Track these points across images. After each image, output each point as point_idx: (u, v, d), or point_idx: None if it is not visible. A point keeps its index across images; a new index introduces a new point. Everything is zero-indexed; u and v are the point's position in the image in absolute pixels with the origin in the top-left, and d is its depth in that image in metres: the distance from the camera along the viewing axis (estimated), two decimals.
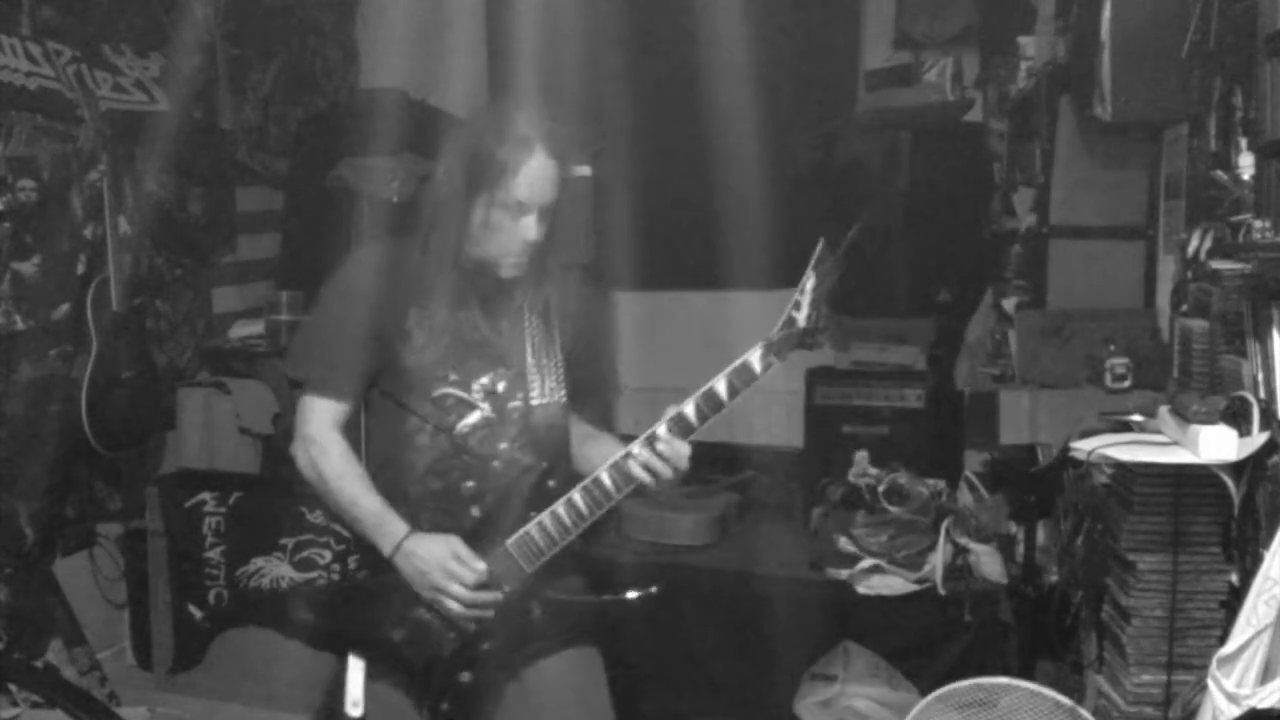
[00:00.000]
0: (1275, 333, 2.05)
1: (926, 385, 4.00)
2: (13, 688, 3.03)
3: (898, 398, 3.96)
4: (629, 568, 3.33)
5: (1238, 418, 2.08)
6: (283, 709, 3.46)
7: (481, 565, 1.99)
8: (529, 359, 2.08)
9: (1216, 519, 2.16)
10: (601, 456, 2.02)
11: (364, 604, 2.08)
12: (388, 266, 2.10)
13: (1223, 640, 1.91)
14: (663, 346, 4.19)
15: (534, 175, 1.97)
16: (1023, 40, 3.63)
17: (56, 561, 3.55)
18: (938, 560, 3.17)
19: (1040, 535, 3.07)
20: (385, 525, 2.03)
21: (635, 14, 4.27)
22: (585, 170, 3.80)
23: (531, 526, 2.00)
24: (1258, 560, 1.88)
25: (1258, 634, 1.76)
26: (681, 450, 1.93)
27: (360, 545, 2.11)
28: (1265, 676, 1.75)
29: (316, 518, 3.46)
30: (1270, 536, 1.84)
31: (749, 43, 4.01)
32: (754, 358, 1.91)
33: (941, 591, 3.14)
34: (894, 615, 3.18)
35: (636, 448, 1.94)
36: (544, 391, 2.08)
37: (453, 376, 2.05)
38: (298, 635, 2.14)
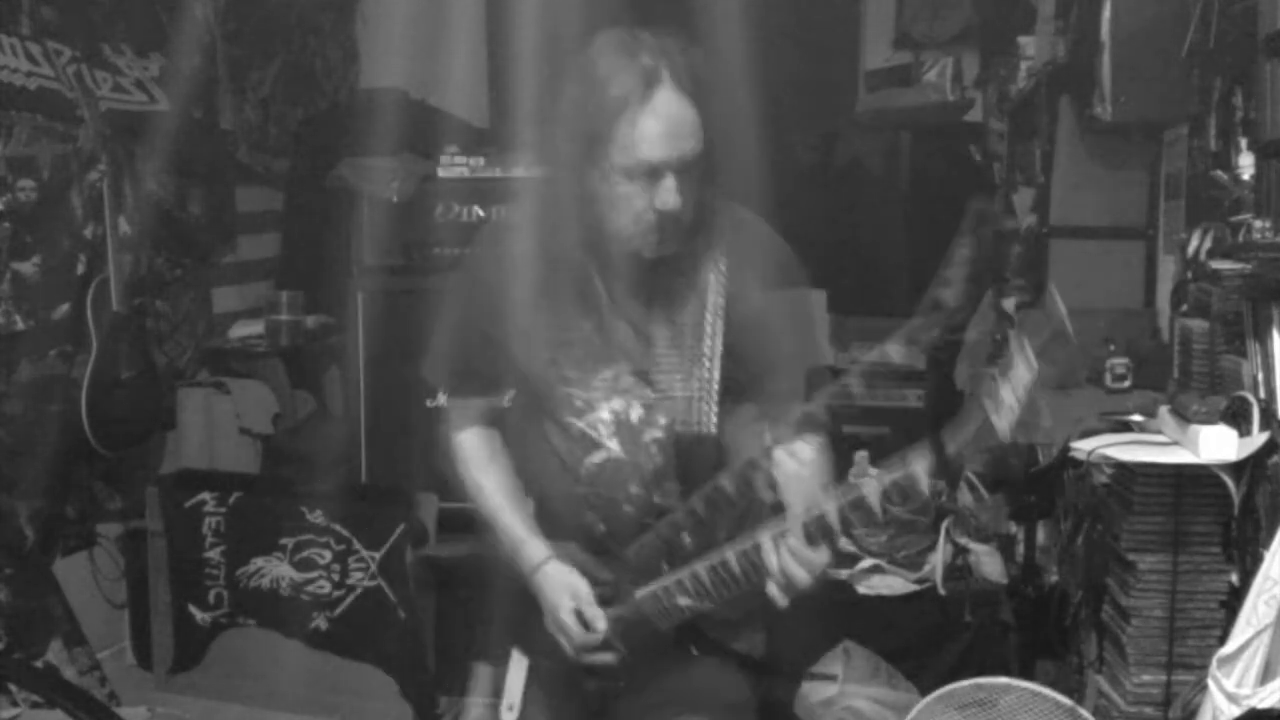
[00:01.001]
0: (1275, 333, 2.05)
1: (926, 385, 4.01)
2: (13, 688, 3.03)
3: (898, 398, 3.96)
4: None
5: (1238, 418, 2.08)
6: (283, 709, 3.46)
7: (601, 626, 1.71)
8: (678, 376, 1.69)
9: (1216, 519, 2.16)
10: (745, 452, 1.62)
11: (516, 599, 1.83)
12: (507, 261, 1.74)
13: (1223, 640, 1.91)
14: None
15: (663, 123, 1.53)
16: (1023, 40, 3.63)
17: (56, 561, 3.55)
18: (938, 560, 3.16)
19: (1040, 535, 3.07)
20: (523, 546, 1.79)
21: (635, 14, 4.27)
22: None
23: (656, 587, 1.67)
24: (1258, 560, 1.88)
25: (1258, 634, 1.76)
26: (815, 561, 1.52)
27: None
28: (1265, 676, 1.76)
29: (316, 518, 3.46)
30: (1270, 536, 1.84)
31: (749, 43, 4.01)
32: (920, 469, 1.48)
33: (941, 591, 3.14)
34: (894, 615, 3.17)
35: (767, 541, 1.54)
36: (692, 417, 1.68)
37: (578, 402, 1.71)
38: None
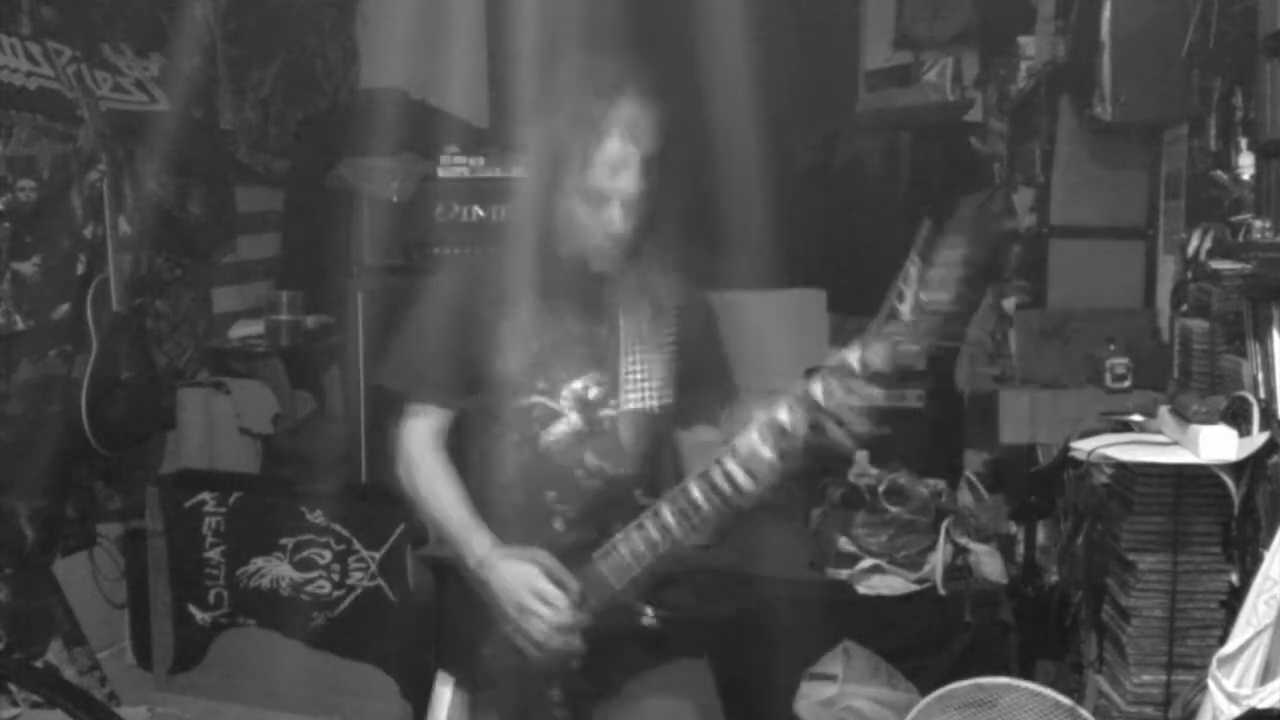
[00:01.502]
0: (1275, 333, 2.05)
1: (926, 385, 4.00)
2: (13, 688, 3.03)
3: (898, 398, 3.96)
4: (730, 575, 3.18)
5: (1238, 418, 2.08)
6: (283, 709, 3.46)
7: (573, 584, 1.85)
8: (624, 362, 1.95)
9: (1216, 519, 2.16)
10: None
11: (453, 620, 2.00)
12: (479, 273, 2.01)
13: (1223, 640, 1.91)
14: None
15: (612, 161, 1.82)
16: (1023, 40, 3.63)
17: (56, 561, 3.55)
18: (938, 560, 3.17)
19: (1040, 535, 3.07)
20: (470, 541, 1.92)
21: (635, 14, 4.27)
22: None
23: (619, 541, 1.84)
24: (1258, 560, 1.88)
25: (1258, 634, 1.76)
26: (764, 456, 1.74)
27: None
28: (1265, 676, 1.76)
29: (316, 518, 3.46)
30: (1270, 536, 1.84)
31: (749, 43, 4.01)
32: (852, 357, 1.72)
33: (941, 591, 3.14)
34: (894, 615, 3.17)
35: (725, 456, 1.76)
36: (639, 398, 1.95)
37: (541, 384, 1.93)
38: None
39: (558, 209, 1.87)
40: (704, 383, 2.05)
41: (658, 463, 2.01)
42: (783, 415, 1.73)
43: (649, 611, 1.92)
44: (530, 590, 1.84)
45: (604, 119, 1.83)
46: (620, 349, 1.96)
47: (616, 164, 1.83)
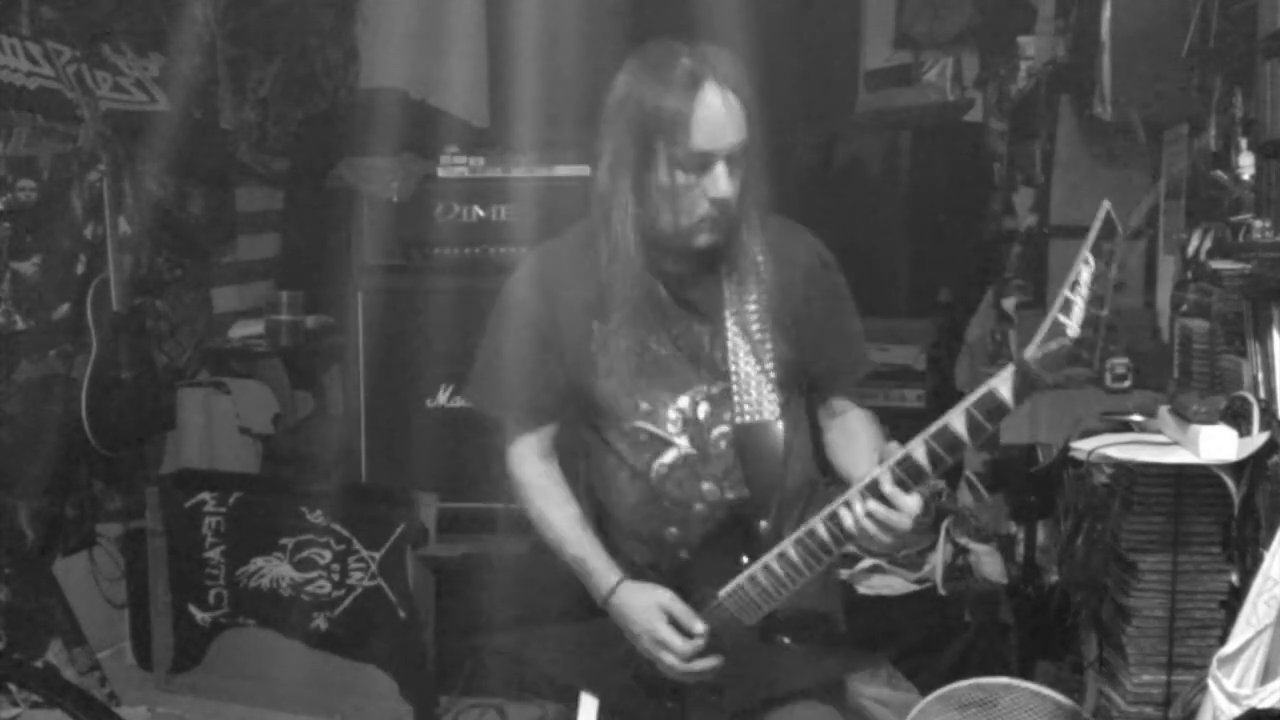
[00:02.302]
0: (1275, 333, 2.05)
1: (926, 385, 4.01)
2: (13, 688, 3.03)
3: (898, 398, 3.96)
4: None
5: (1238, 418, 2.08)
6: (283, 709, 3.46)
7: (700, 628, 1.72)
8: (734, 367, 1.74)
9: (1216, 519, 2.16)
10: (857, 467, 1.69)
11: (597, 643, 1.84)
12: (557, 274, 1.82)
13: (1223, 640, 1.91)
14: None
15: (711, 115, 1.64)
16: (1023, 40, 3.64)
17: (56, 561, 3.55)
18: (938, 560, 3.17)
19: (1040, 535, 3.07)
20: (594, 573, 1.80)
21: (635, 14, 4.27)
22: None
23: (743, 579, 1.69)
24: (1258, 560, 1.88)
25: (1258, 634, 1.76)
26: (908, 505, 1.57)
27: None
28: (1265, 676, 1.76)
29: (316, 518, 3.46)
30: (1270, 536, 1.84)
31: (749, 43, 4.01)
32: (1003, 387, 1.47)
33: (941, 591, 3.14)
34: (894, 615, 3.18)
35: (855, 498, 1.59)
36: (757, 407, 1.73)
37: (643, 406, 1.76)
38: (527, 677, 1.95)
39: (650, 183, 1.68)
40: (833, 348, 1.87)
41: (784, 480, 1.78)
42: (918, 453, 1.55)
43: (784, 639, 1.78)
44: (654, 639, 1.74)
45: (701, 70, 1.66)
46: (729, 347, 1.76)
47: (719, 119, 1.65)
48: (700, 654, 1.74)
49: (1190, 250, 2.57)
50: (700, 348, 1.78)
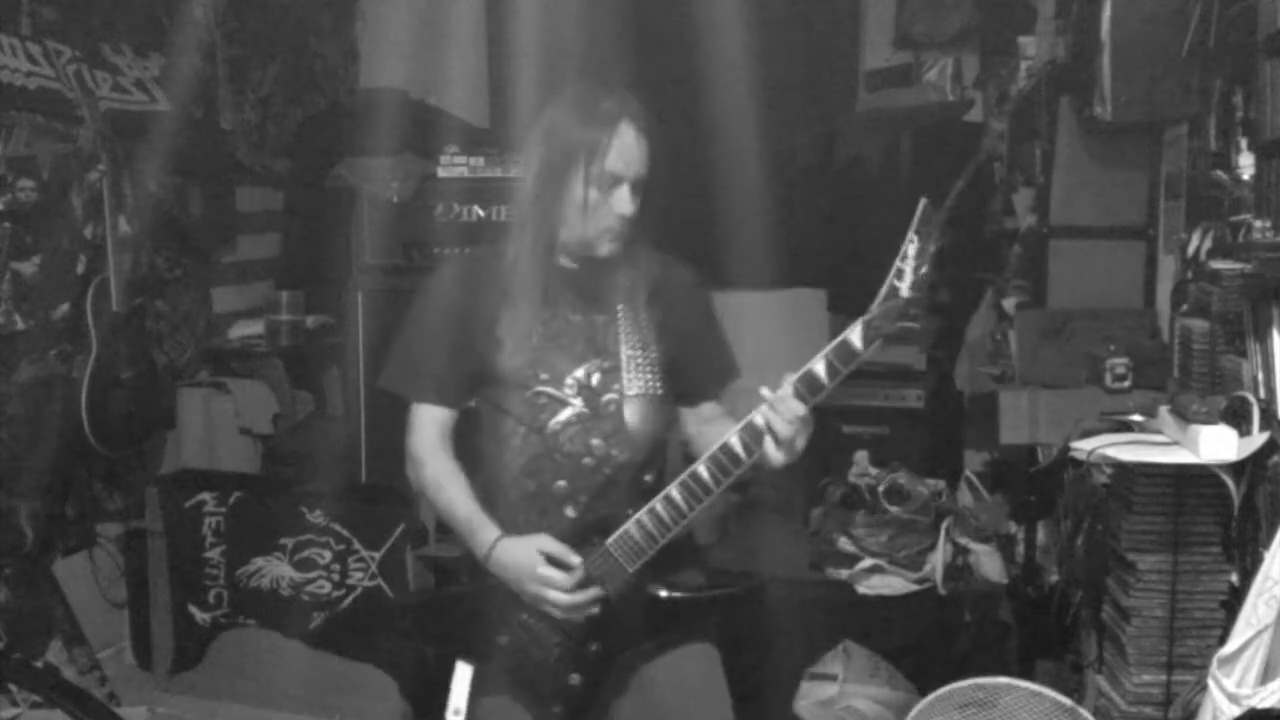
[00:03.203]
0: (1275, 333, 2.05)
1: (926, 385, 4.00)
2: (13, 688, 3.03)
3: (898, 398, 3.96)
4: (735, 572, 3.21)
5: (1238, 418, 2.08)
6: (283, 709, 3.46)
7: (575, 560, 1.93)
8: (624, 349, 2.04)
9: (1216, 519, 2.16)
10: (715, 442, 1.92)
11: (469, 609, 2.05)
12: (476, 272, 2.09)
13: (1223, 640, 1.91)
14: None
15: (625, 147, 1.96)
16: (1023, 40, 3.63)
17: (56, 561, 3.55)
18: (938, 560, 3.17)
19: (1040, 535, 3.07)
20: (477, 532, 2.00)
21: (635, 14, 4.27)
22: None
23: (630, 525, 1.93)
24: (1258, 560, 1.88)
25: (1258, 634, 1.76)
26: (800, 410, 1.82)
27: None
28: (1265, 676, 1.76)
29: (316, 518, 3.46)
30: (1270, 536, 1.84)
31: (749, 43, 4.01)
32: (854, 335, 1.80)
33: (941, 591, 3.14)
34: (894, 615, 3.18)
35: (733, 436, 1.86)
36: (641, 382, 2.04)
37: (544, 375, 2.01)
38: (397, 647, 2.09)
39: (568, 198, 1.97)
40: (704, 359, 2.14)
41: (665, 446, 2.09)
42: (787, 392, 1.81)
43: (661, 591, 1.97)
44: (534, 577, 1.92)
45: (620, 109, 1.98)
46: (620, 335, 2.04)
47: (631, 150, 1.97)
48: (582, 587, 1.93)
49: (1190, 250, 2.57)
50: (595, 331, 2.05)
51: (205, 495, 3.57)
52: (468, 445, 2.11)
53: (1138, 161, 3.15)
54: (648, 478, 1.99)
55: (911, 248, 1.78)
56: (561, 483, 2.01)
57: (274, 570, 3.50)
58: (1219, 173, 2.43)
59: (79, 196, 3.57)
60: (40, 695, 2.94)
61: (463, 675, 2.01)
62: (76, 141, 3.53)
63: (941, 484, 3.46)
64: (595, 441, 2.01)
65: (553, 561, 1.93)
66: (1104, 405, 2.68)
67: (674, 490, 1.90)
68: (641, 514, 1.92)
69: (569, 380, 2.01)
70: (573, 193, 1.97)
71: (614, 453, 2.01)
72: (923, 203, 1.78)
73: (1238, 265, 2.21)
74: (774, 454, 1.84)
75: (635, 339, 2.05)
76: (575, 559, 1.93)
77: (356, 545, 3.43)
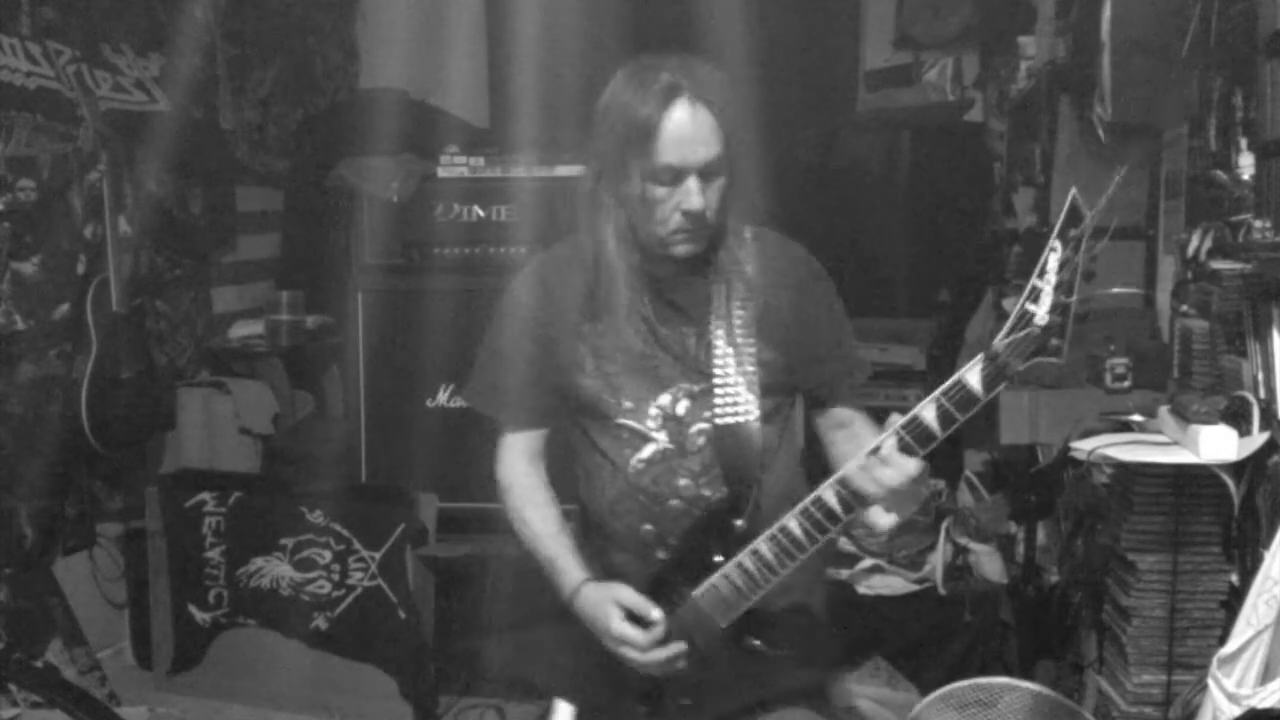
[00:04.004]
0: (1275, 333, 2.05)
1: (926, 385, 4.00)
2: (13, 688, 3.03)
3: (898, 398, 3.96)
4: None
5: (1238, 418, 2.08)
6: (283, 709, 3.46)
7: (656, 615, 1.72)
8: (717, 367, 1.77)
9: (1216, 519, 2.16)
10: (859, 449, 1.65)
11: (577, 647, 1.83)
12: (553, 278, 1.86)
13: (1223, 640, 1.91)
14: None
15: (680, 130, 1.66)
16: (1023, 40, 3.63)
17: (56, 561, 3.55)
18: (938, 560, 3.17)
19: (1040, 535, 3.07)
20: (559, 575, 1.82)
21: (635, 14, 4.27)
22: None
23: (717, 578, 1.70)
24: (1258, 560, 1.88)
25: (1258, 634, 1.76)
26: (910, 466, 1.55)
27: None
28: (1265, 676, 1.76)
29: (316, 518, 3.46)
30: (1270, 536, 1.84)
31: (749, 43, 4.01)
32: (973, 376, 1.48)
33: (941, 591, 3.14)
34: (894, 615, 3.18)
35: (827, 491, 1.61)
36: (737, 407, 1.76)
37: (626, 404, 1.79)
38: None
39: (628, 192, 1.72)
40: (823, 360, 1.87)
41: (760, 480, 1.79)
42: (889, 447, 1.55)
43: (755, 642, 1.75)
44: (611, 635, 1.74)
45: (672, 85, 1.67)
46: (713, 351, 1.78)
47: (688, 134, 1.67)
48: (663, 644, 1.72)
49: (1190, 250, 2.57)
50: (685, 348, 1.80)
51: (205, 495, 3.57)
52: (569, 470, 1.94)
53: (1138, 161, 3.15)
54: (739, 522, 1.73)
55: (1053, 258, 1.38)
56: (648, 526, 1.80)
57: (274, 570, 3.50)
58: (1219, 173, 2.43)
59: (79, 196, 3.57)
60: (40, 695, 2.93)
61: (564, 714, 1.87)
62: (76, 141, 3.53)
63: (941, 484, 3.46)
64: (683, 482, 1.79)
65: (632, 616, 1.73)
66: (1104, 405, 2.68)
67: (762, 544, 1.66)
68: (729, 567, 1.69)
69: (653, 410, 1.79)
70: (631, 188, 1.71)
71: (705, 493, 1.78)
72: (1073, 194, 1.39)
73: (1238, 265, 2.21)
74: (879, 518, 1.60)
75: (731, 355, 1.77)
76: (656, 614, 1.72)
77: (356, 545, 3.42)
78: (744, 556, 1.68)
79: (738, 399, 1.77)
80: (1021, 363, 1.44)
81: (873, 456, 1.56)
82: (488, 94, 4.89)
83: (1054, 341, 1.41)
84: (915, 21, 4.54)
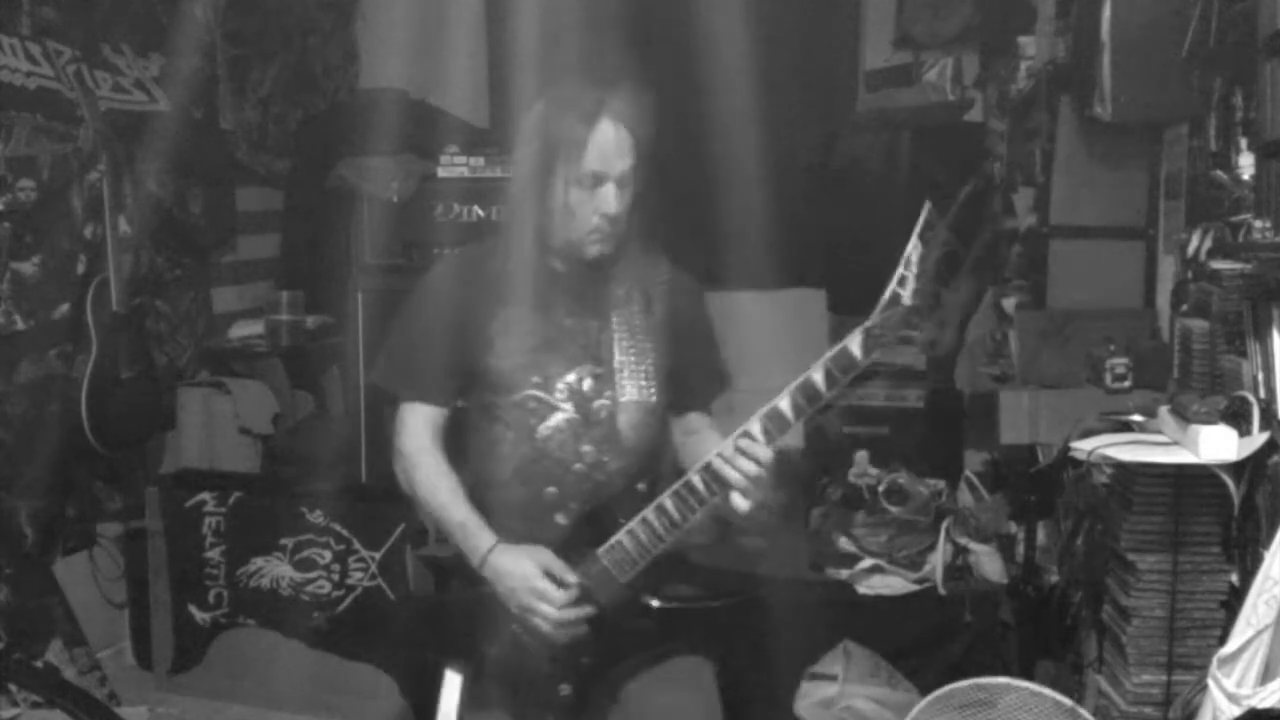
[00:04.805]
0: (1275, 333, 2.05)
1: (926, 385, 4.01)
2: (13, 688, 3.03)
3: (898, 398, 3.97)
4: (731, 573, 3.19)
5: (1238, 418, 2.08)
6: (283, 709, 3.46)
7: (572, 579, 1.90)
8: (618, 354, 2.00)
9: (1216, 519, 2.16)
10: (703, 454, 1.89)
11: (460, 618, 2.02)
12: (470, 271, 2.06)
13: (1223, 640, 1.91)
14: None
15: (604, 143, 1.90)
16: (1023, 40, 3.63)
17: (56, 561, 3.55)
18: (938, 560, 3.17)
19: (1040, 535, 3.07)
20: (471, 538, 1.97)
21: (636, 14, 4.27)
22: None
23: (622, 534, 1.89)
24: (1258, 560, 1.88)
25: (1258, 634, 1.76)
26: (763, 453, 1.79)
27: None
28: (1265, 676, 1.76)
29: (316, 518, 3.46)
30: (1270, 536, 1.84)
31: (749, 43, 4.01)
32: (854, 343, 1.74)
33: (941, 591, 3.14)
34: (894, 615, 3.18)
35: (727, 447, 1.81)
36: (634, 389, 2.00)
37: (535, 378, 1.98)
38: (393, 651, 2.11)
39: (551, 198, 1.93)
40: (696, 369, 2.11)
41: (658, 455, 2.06)
42: (783, 404, 1.77)
43: (653, 601, 1.94)
44: (530, 590, 1.89)
45: (598, 105, 1.91)
46: (614, 340, 2.00)
47: (610, 146, 1.91)
48: (575, 605, 1.89)
49: (1190, 250, 2.57)
50: (588, 337, 2.01)
51: (205, 495, 3.57)
52: (457, 447, 2.09)
53: (1138, 161, 3.15)
54: (640, 486, 1.97)
55: (915, 254, 1.71)
56: (551, 489, 1.98)
57: (274, 570, 3.50)
58: (1219, 173, 2.43)
59: (79, 196, 3.57)
60: (40, 695, 2.93)
61: (452, 684, 1.98)
62: (76, 141, 3.53)
63: (941, 484, 3.46)
64: (586, 448, 1.98)
65: (548, 575, 1.89)
66: (1104, 405, 2.68)
67: (667, 500, 1.86)
68: (634, 523, 1.88)
69: (560, 385, 1.98)
70: (555, 192, 1.93)
71: (605, 459, 1.98)
72: (926, 207, 1.71)
73: (1238, 265, 2.21)
74: (737, 502, 1.79)
75: (630, 345, 2.01)
76: (573, 577, 1.89)
77: (356, 545, 3.43)
78: (649, 512, 1.86)
79: (637, 382, 2.00)
80: (892, 335, 1.72)
81: (742, 439, 1.78)
82: (488, 94, 4.89)
83: (914, 319, 1.72)
84: (915, 21, 4.54)
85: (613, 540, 1.90)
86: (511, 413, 1.99)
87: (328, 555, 3.45)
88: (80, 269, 3.55)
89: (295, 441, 4.10)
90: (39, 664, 3.27)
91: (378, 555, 3.40)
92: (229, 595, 3.55)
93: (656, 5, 4.31)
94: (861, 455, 3.55)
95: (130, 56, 3.80)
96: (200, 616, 3.59)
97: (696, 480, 1.84)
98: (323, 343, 4.28)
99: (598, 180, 1.92)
